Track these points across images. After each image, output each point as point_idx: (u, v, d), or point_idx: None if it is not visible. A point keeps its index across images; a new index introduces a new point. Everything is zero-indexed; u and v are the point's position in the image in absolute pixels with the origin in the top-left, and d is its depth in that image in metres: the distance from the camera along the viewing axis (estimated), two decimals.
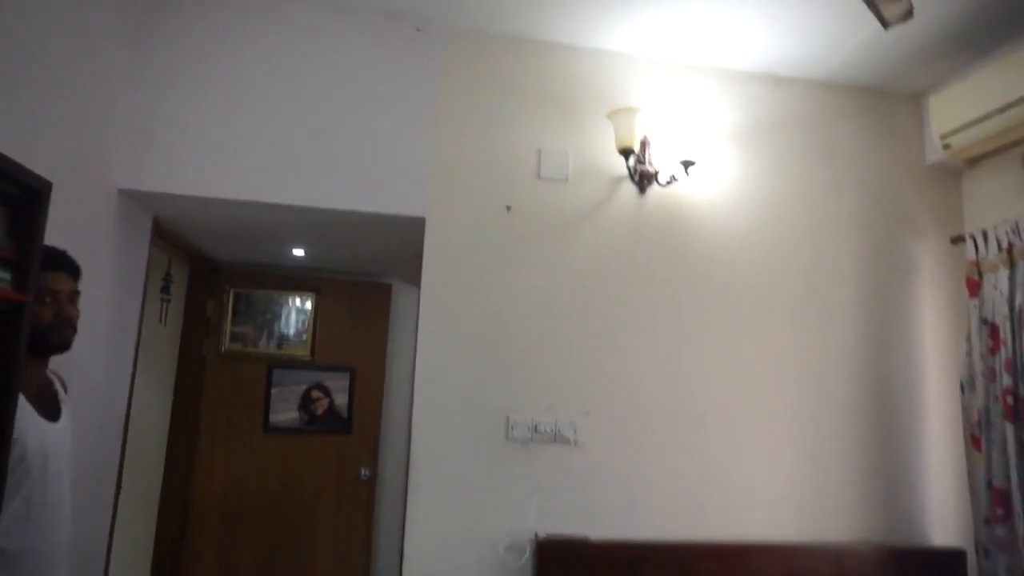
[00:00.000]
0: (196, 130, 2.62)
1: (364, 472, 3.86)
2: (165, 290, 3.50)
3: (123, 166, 2.55)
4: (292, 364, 3.91)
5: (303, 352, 3.93)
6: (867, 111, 3.09)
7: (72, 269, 1.85)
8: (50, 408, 1.80)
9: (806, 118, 3.04)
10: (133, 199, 2.65)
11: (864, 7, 2.37)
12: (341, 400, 3.91)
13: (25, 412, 1.63)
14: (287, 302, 3.96)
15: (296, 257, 3.74)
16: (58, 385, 1.90)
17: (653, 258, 2.81)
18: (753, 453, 2.76)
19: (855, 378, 2.87)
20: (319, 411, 3.89)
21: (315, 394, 3.90)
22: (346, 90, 2.74)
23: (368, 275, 4.09)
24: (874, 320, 2.93)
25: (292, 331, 3.95)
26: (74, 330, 1.82)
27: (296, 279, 3.98)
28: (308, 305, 3.97)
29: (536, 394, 2.66)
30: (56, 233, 2.22)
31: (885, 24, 2.22)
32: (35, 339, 1.64)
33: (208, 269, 3.87)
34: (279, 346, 3.92)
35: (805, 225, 2.95)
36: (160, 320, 3.52)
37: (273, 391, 3.87)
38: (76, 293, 1.84)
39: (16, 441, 1.55)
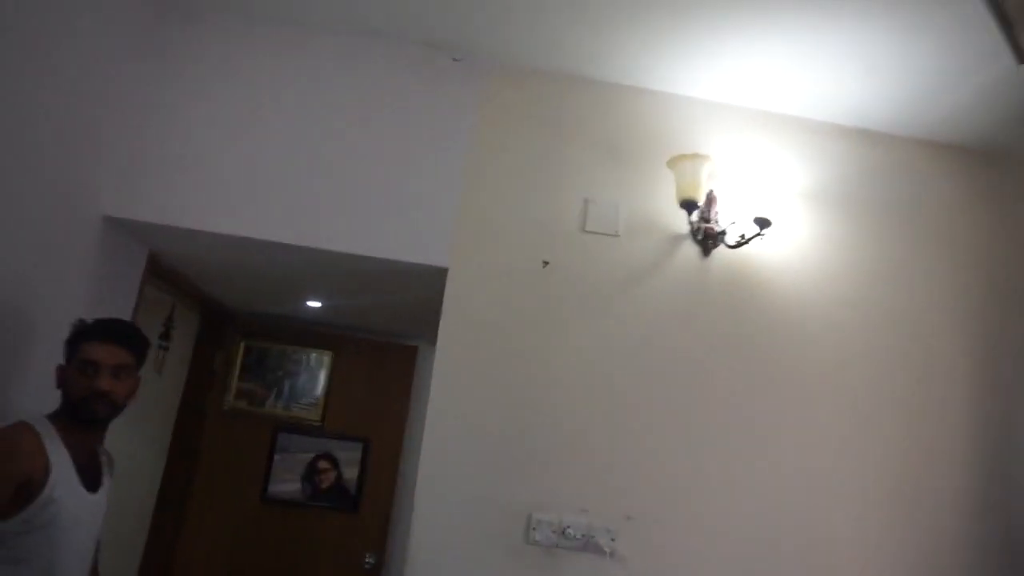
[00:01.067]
0: (198, 158, 2.32)
1: (369, 559, 3.38)
2: (165, 336, 3.18)
3: (111, 193, 2.25)
4: (300, 429, 3.51)
5: (313, 416, 3.54)
6: (976, 176, 2.61)
7: (125, 340, 1.76)
8: (91, 478, 1.73)
9: (901, 180, 2.57)
10: (122, 229, 2.35)
11: (986, 47, 1.97)
12: (351, 474, 3.48)
13: (68, 477, 1.62)
14: (301, 359, 3.59)
15: (312, 309, 3.39)
16: (104, 457, 1.84)
17: (717, 332, 2.35)
18: None
19: (969, 504, 2.30)
20: (325, 484, 3.46)
21: (322, 464, 3.47)
22: (371, 123, 2.42)
23: (392, 335, 3.71)
24: (996, 432, 2.36)
25: (303, 392, 3.57)
26: (110, 405, 1.71)
27: (312, 335, 3.63)
28: (324, 364, 3.60)
29: (567, 490, 2.18)
30: (30, 259, 1.97)
31: (1022, 58, 1.79)
32: (71, 410, 1.68)
33: (219, 318, 3.56)
34: (287, 407, 3.54)
35: (903, 306, 2.44)
36: (156, 368, 3.19)
37: (276, 457, 3.47)
38: (123, 367, 1.73)
39: (53, 502, 1.55)
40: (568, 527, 2.14)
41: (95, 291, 2.27)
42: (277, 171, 2.34)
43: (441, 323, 2.28)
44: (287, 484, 3.44)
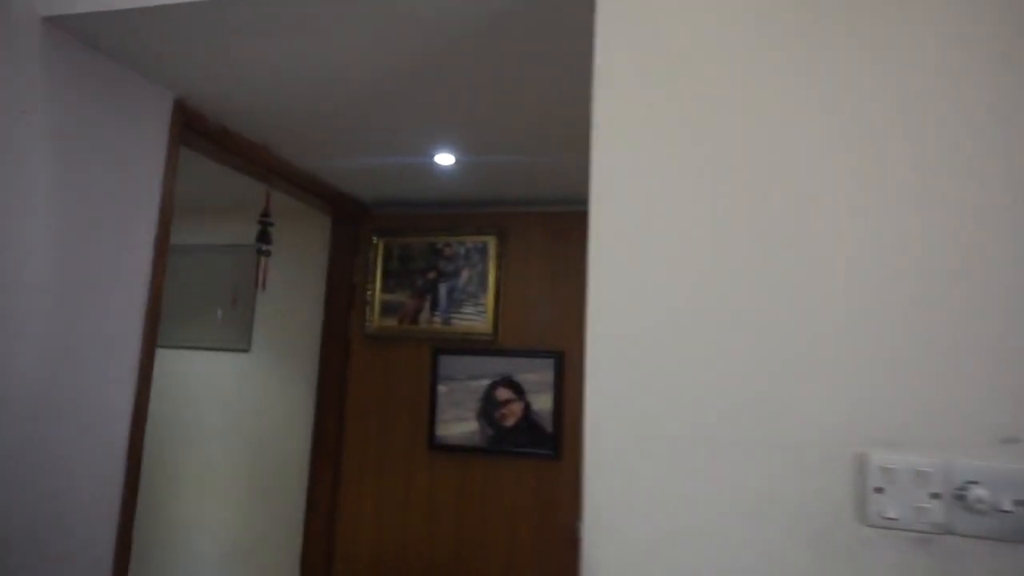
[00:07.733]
0: None
1: (580, 527, 2.32)
2: (263, 237, 2.35)
3: None
4: (465, 347, 2.53)
5: (482, 328, 2.53)
6: None
7: None
8: None
9: None
10: (89, 43, 1.47)
11: None
12: (542, 404, 2.43)
13: None
14: (457, 252, 2.59)
15: (447, 172, 2.31)
16: None
17: None
18: None
19: None
20: (509, 421, 2.45)
21: (502, 394, 2.47)
22: None
23: (580, 202, 2.55)
24: None
25: (465, 296, 2.57)
26: None
27: (467, 218, 2.60)
28: (488, 255, 2.56)
29: (948, 396, 0.88)
30: None
31: None
32: None
33: (349, 214, 2.69)
34: (447, 320, 2.57)
35: None
36: (258, 283, 2.39)
37: (440, 388, 2.53)
38: None
39: None
40: (973, 483, 0.85)
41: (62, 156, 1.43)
42: None
43: (595, 76, 1.08)
44: (459, 424, 2.49)
